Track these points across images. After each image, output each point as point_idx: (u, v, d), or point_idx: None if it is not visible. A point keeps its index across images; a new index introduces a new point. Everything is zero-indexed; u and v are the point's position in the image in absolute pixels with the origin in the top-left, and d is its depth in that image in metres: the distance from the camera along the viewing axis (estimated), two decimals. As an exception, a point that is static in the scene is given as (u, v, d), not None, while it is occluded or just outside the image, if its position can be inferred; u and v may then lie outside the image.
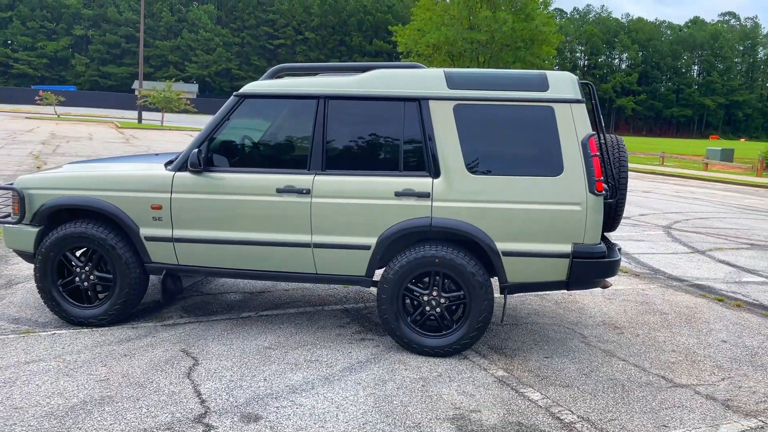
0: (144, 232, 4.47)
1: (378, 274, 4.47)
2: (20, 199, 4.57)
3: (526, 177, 4.14)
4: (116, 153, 19.39)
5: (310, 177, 4.33)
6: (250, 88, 4.51)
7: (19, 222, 4.61)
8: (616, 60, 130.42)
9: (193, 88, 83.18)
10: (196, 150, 4.34)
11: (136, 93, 48.35)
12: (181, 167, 4.45)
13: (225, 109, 4.49)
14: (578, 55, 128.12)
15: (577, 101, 4.18)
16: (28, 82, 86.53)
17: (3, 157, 16.39)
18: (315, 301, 5.52)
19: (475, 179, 4.17)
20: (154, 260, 4.54)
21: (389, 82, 4.35)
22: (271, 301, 5.44)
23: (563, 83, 4.21)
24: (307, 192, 4.29)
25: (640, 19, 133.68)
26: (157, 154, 5.51)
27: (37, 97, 47.21)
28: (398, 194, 4.21)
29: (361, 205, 4.26)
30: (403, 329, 4.31)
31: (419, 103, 4.28)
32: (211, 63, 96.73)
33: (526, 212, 4.13)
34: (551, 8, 55.01)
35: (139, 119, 42.05)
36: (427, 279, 4.33)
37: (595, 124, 4.37)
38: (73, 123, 38.42)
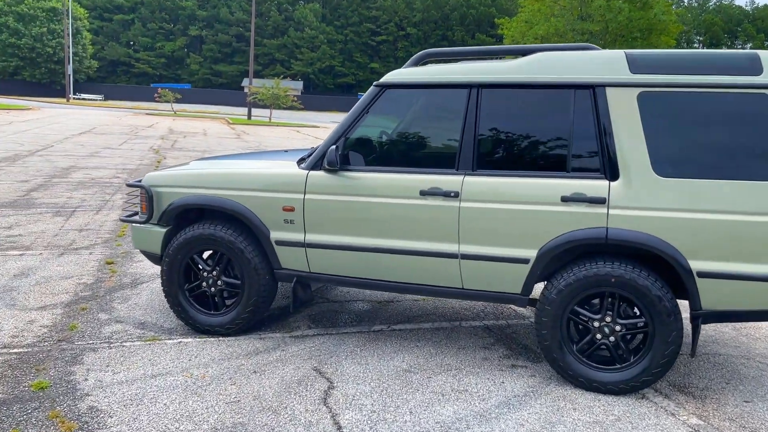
0: (274, 235, 4.08)
1: (535, 292, 3.84)
2: (148, 197, 4.32)
3: (730, 181, 3.36)
4: (229, 148, 19.80)
5: (458, 178, 3.76)
6: (392, 77, 4.01)
7: (146, 221, 4.36)
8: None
9: (298, 85, 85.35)
10: (333, 147, 3.89)
11: (246, 90, 49.99)
12: (316, 165, 4.02)
13: (363, 102, 4.01)
14: (696, 45, 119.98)
15: (801, 87, 3.34)
16: (148, 81, 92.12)
17: (126, 152, 17.10)
18: (450, 314, 4.96)
19: (664, 183, 3.43)
20: (284, 266, 4.15)
21: (556, 66, 3.69)
22: (402, 313, 4.93)
23: (783, 65, 3.39)
24: (456, 195, 3.73)
25: (766, 7, 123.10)
26: (286, 151, 5.14)
27: (156, 95, 50.05)
28: (566, 199, 3.56)
29: (519, 212, 3.65)
30: (567, 360, 3.65)
31: (594, 90, 3.59)
32: (315, 60, 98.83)
33: (730, 224, 3.35)
34: (670, -5, 51.49)
35: (249, 115, 43.42)
36: (597, 301, 3.66)
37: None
38: (188, 119, 40.21)
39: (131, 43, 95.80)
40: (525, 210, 3.64)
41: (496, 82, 3.77)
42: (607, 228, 3.50)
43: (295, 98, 45.32)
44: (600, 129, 3.56)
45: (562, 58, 3.71)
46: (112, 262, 5.98)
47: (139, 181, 4.46)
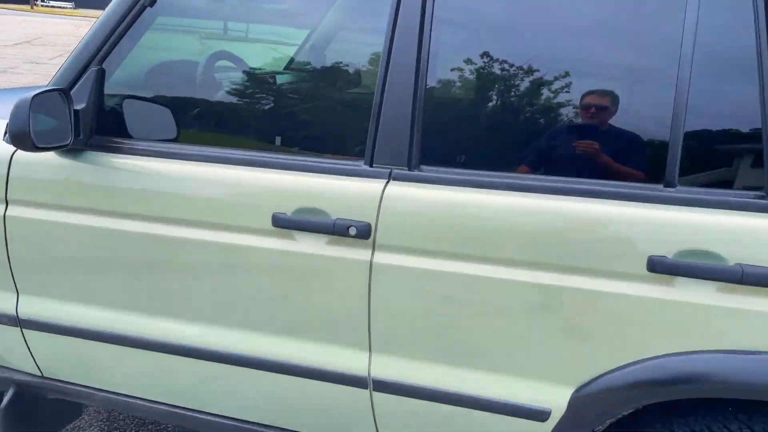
0: (-48, 296, 1.77)
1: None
2: None
3: None
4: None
5: (372, 186, 1.42)
6: None
7: None
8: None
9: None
10: (40, 94, 1.50)
11: None
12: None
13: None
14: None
15: None
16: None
17: (52, 68, 14.28)
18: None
19: None
20: (-10, 360, 1.86)
21: None
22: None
23: None
24: (363, 232, 1.40)
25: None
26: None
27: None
28: (657, 265, 1.24)
29: (527, 288, 1.33)
30: None
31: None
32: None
33: None
34: None
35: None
36: None
37: None
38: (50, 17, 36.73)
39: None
40: (545, 287, 1.33)
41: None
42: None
43: None
44: (765, 67, 1.21)
45: None
46: None
47: None
